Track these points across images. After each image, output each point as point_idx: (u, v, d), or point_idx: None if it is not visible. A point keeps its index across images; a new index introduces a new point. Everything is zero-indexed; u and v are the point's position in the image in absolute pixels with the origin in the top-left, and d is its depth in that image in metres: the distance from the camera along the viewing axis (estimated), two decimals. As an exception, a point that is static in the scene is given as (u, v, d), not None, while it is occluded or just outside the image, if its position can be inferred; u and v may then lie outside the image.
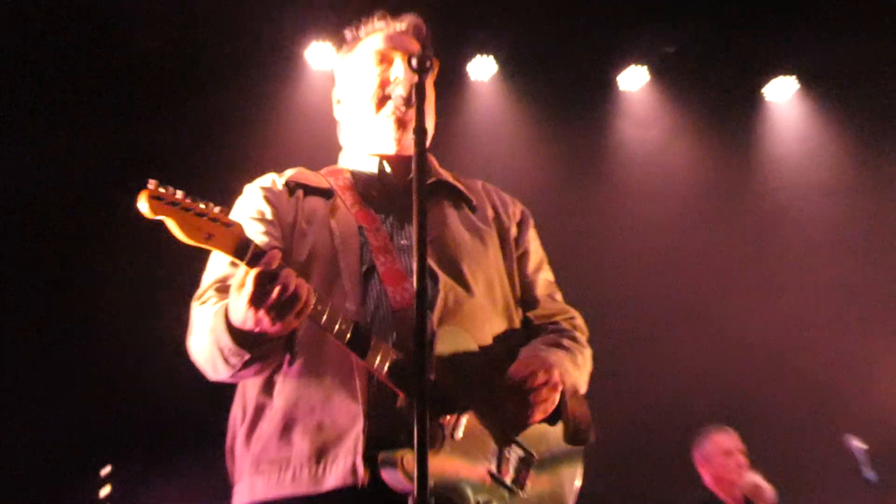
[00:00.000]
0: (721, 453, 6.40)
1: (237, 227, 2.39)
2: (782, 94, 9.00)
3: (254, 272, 2.32)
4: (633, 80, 8.61)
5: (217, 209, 2.37)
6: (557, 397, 2.68)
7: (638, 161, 8.74)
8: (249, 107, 7.69)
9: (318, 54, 7.79)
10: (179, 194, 2.32)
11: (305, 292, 2.38)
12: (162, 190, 2.31)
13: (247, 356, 2.51)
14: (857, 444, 6.34)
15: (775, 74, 8.76)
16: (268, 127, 7.76)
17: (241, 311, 2.38)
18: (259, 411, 2.67)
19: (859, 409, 7.56)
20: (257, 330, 2.41)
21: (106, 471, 7.47)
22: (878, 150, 8.88)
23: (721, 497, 6.38)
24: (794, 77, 8.75)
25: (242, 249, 2.37)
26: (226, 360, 2.54)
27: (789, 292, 8.32)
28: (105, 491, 7.43)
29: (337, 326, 2.46)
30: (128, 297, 7.08)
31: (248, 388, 2.74)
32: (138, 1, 7.44)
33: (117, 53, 7.53)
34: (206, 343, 2.60)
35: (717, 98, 8.74)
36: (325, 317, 2.45)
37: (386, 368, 2.49)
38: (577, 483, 2.83)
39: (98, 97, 7.52)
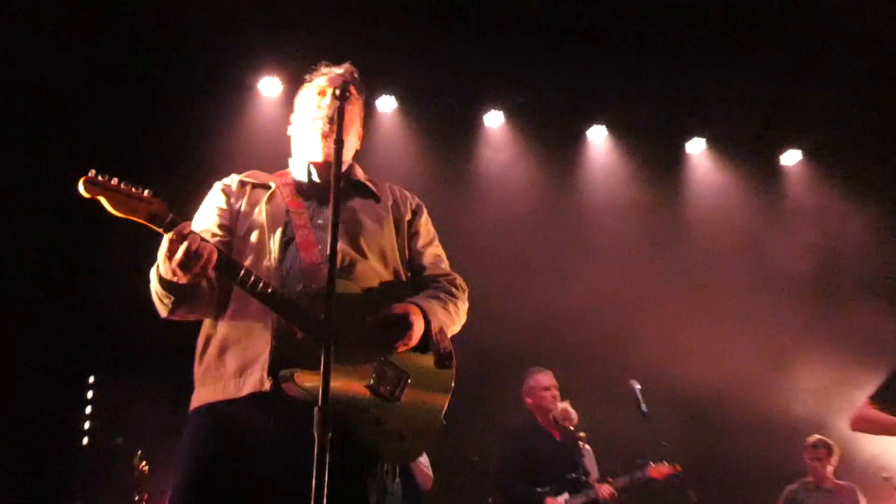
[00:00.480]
0: (541, 388, 7.00)
1: (157, 204, 2.78)
2: (598, 137, 9.84)
3: (167, 236, 2.74)
4: (494, 119, 9.48)
5: (145, 192, 2.77)
6: (418, 330, 3.01)
7: (495, 177, 9.53)
8: (213, 125, 8.18)
9: (268, 85, 8.31)
10: (114, 181, 2.73)
11: (207, 252, 2.77)
12: (99, 177, 2.71)
13: (172, 298, 2.92)
14: (635, 384, 7.14)
15: (594, 121, 9.72)
16: (229, 141, 8.14)
17: (162, 265, 2.82)
18: (207, 341, 3.06)
19: (637, 356, 8.28)
20: (174, 279, 2.81)
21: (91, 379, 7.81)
22: (658, 174, 9.90)
23: (538, 419, 6.94)
24: (604, 126, 9.74)
25: (159, 220, 2.76)
26: (161, 301, 2.97)
27: (596, 269, 8.81)
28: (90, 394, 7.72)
29: (260, 293, 2.89)
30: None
31: (205, 325, 3.11)
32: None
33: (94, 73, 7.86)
34: (151, 291, 3.00)
35: (549, 135, 9.50)
36: (239, 273, 2.88)
37: (288, 312, 2.90)
38: (447, 395, 3.14)
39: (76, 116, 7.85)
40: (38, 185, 7.55)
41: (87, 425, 7.31)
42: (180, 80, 8.11)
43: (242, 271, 2.88)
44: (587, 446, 7.11)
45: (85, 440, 7.26)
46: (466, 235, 7.91)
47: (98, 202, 2.72)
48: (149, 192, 2.77)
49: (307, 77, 3.41)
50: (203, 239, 2.80)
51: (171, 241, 2.74)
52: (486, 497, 6.89)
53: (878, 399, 4.81)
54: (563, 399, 7.21)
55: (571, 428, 7.09)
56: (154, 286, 2.93)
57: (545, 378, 7.08)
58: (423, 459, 7.56)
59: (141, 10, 7.75)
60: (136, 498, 6.36)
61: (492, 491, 6.78)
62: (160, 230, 2.77)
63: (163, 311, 2.99)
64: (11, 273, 7.44)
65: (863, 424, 4.88)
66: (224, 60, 8.27)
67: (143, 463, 6.44)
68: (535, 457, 6.63)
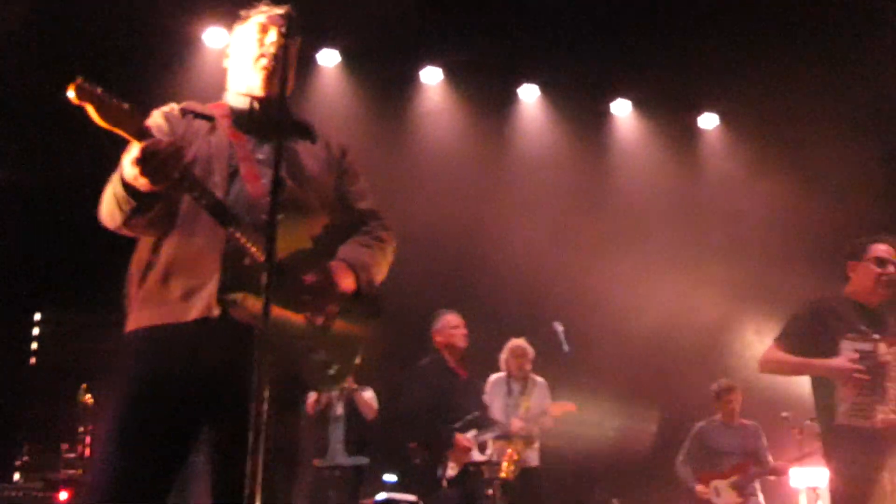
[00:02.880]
0: (451, 326, 6.97)
1: (139, 119, 2.73)
2: (531, 96, 9.88)
3: (142, 143, 2.67)
4: (432, 76, 9.48)
5: (126, 105, 2.69)
6: (348, 286, 3.03)
7: (432, 131, 9.53)
8: (157, 73, 7.89)
9: (213, 36, 8.24)
10: (100, 90, 2.64)
11: (177, 159, 2.73)
12: (86, 85, 2.63)
13: (133, 203, 2.80)
14: (558, 326, 7.24)
15: (526, 80, 9.75)
16: (172, 88, 7.52)
17: (129, 168, 2.72)
18: (148, 266, 2.97)
19: (561, 301, 8.36)
20: (139, 186, 2.73)
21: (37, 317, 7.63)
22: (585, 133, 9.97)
23: (447, 359, 6.88)
24: (536, 85, 9.77)
25: (141, 135, 2.69)
26: (119, 207, 2.84)
27: (524, 221, 8.97)
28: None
29: (209, 203, 2.81)
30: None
31: (142, 250, 3.02)
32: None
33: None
34: (109, 198, 2.88)
35: (484, 92, 9.50)
36: (199, 192, 2.80)
37: (238, 235, 2.82)
38: (370, 335, 3.17)
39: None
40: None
41: (32, 360, 7.26)
42: (125, 34, 7.89)
43: (207, 196, 2.82)
44: (539, 379, 7.34)
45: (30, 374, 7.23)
46: (400, 186, 7.87)
47: (84, 110, 2.62)
48: (129, 105, 2.69)
49: (243, 13, 3.29)
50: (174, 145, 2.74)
51: (144, 147, 2.67)
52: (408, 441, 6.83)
53: (783, 341, 4.87)
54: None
55: (528, 366, 7.32)
56: (115, 190, 2.82)
57: (454, 318, 7.08)
58: (369, 393, 7.73)
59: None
60: (81, 430, 6.28)
61: (409, 432, 6.75)
62: (140, 143, 2.68)
63: (118, 219, 2.88)
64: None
65: (770, 365, 4.95)
66: (168, 12, 8.05)
67: (88, 395, 6.34)
68: (445, 396, 6.64)
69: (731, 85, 9.54)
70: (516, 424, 6.76)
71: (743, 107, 9.93)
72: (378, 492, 7.66)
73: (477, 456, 6.59)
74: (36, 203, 7.58)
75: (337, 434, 7.68)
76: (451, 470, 6.45)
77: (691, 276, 8.99)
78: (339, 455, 7.65)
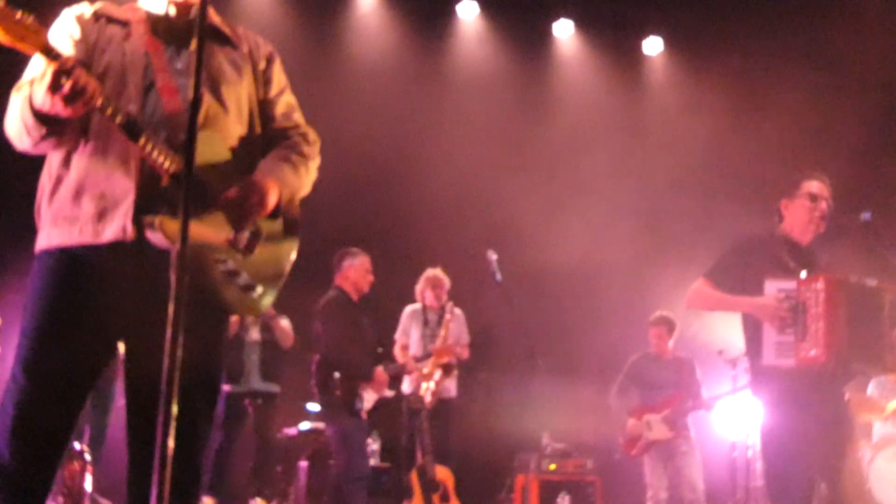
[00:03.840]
0: (366, 270, 6.94)
1: (44, 34, 2.64)
2: (469, 14, 9.83)
3: (53, 66, 2.61)
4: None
5: (30, 19, 2.59)
6: (272, 202, 3.00)
7: (366, 51, 9.44)
8: None
9: None
10: (1, 3, 2.56)
11: (92, 87, 2.65)
12: None
13: (44, 130, 2.78)
14: (491, 255, 6.95)
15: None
16: None
17: (40, 96, 2.68)
18: (59, 181, 2.92)
19: (494, 229, 8.29)
20: (52, 112, 2.70)
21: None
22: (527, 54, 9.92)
23: (353, 297, 6.89)
24: (476, 2, 9.70)
25: (48, 51, 2.62)
26: (28, 133, 2.80)
27: (459, 140, 8.99)
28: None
29: (119, 117, 2.73)
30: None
31: (53, 163, 2.97)
32: None
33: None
34: (16, 120, 2.83)
35: (422, 11, 9.55)
36: (110, 109, 2.71)
37: (154, 153, 2.78)
38: (292, 257, 3.21)
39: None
40: None
41: None
42: None
43: (120, 113, 2.74)
44: (457, 310, 7.41)
45: None
46: (330, 104, 7.74)
47: None
48: (33, 19, 2.59)
49: None
50: (88, 73, 2.67)
51: (56, 74, 2.60)
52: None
53: (711, 277, 4.93)
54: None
55: (444, 297, 7.46)
56: (24, 115, 2.79)
57: (368, 262, 7.10)
58: (285, 321, 7.78)
59: None
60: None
61: (335, 364, 6.75)
62: (50, 61, 2.61)
63: (27, 143, 2.87)
64: None
65: (697, 301, 5.03)
66: None
67: (-4, 316, 6.28)
68: (351, 327, 6.76)
69: (676, 8, 9.57)
70: (440, 350, 7.00)
71: (688, 32, 9.92)
72: (301, 421, 7.91)
73: (387, 392, 6.79)
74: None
75: (252, 359, 7.76)
76: (367, 403, 6.57)
77: (624, 204, 9.06)
78: (254, 380, 7.72)
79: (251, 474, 7.76)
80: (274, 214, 3.07)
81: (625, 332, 8.55)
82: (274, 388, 7.85)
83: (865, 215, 4.98)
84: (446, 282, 7.51)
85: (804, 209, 4.87)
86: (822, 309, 4.61)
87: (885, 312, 4.80)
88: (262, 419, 7.78)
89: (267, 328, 7.76)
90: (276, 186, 3.05)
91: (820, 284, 4.63)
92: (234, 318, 7.16)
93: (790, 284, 4.70)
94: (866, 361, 4.93)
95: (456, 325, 7.42)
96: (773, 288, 4.70)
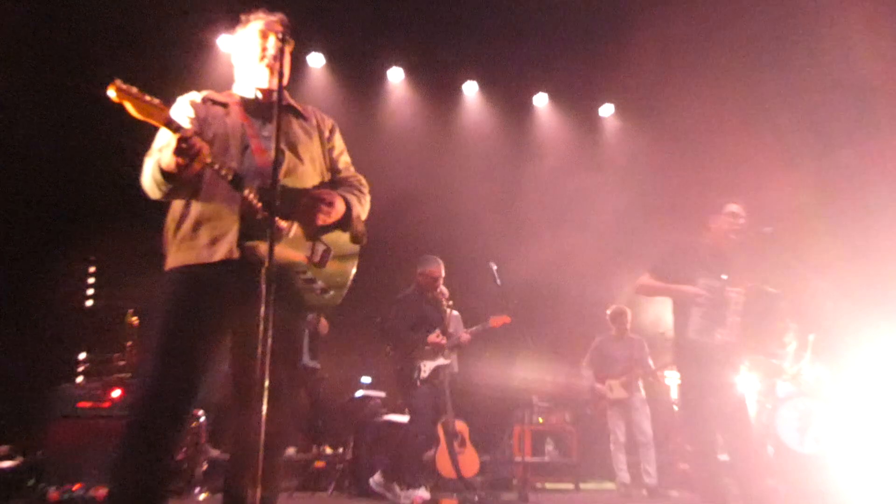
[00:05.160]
0: (435, 277, 6.72)
1: (167, 111, 2.67)
2: (471, 91, 9.71)
3: (177, 135, 2.67)
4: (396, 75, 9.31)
5: (156, 101, 2.64)
6: (340, 209, 3.00)
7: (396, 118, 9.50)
8: (175, 72, 7.51)
9: (225, 41, 8.09)
10: (135, 90, 2.60)
11: (206, 151, 2.72)
12: (123, 86, 2.58)
13: (170, 186, 2.84)
14: (493, 265, 6.83)
15: (468, 79, 9.58)
16: (194, 82, 7.59)
17: (167, 159, 2.75)
18: (182, 219, 2.94)
19: (495, 247, 7.84)
20: (175, 170, 2.75)
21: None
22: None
23: (423, 293, 6.70)
24: (475, 82, 9.67)
25: (170, 124, 2.67)
26: (158, 187, 2.86)
27: (466, 185, 8.86)
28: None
29: (226, 172, 2.79)
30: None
31: (176, 207, 2.98)
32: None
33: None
34: (149, 178, 2.87)
35: (434, 89, 9.40)
36: (218, 166, 2.77)
37: (250, 196, 2.81)
38: (354, 269, 3.13)
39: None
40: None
41: (89, 291, 7.08)
42: (157, 41, 7.66)
43: (225, 168, 2.81)
44: (454, 312, 7.20)
45: (88, 303, 7.02)
46: (371, 160, 7.62)
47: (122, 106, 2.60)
48: (159, 101, 2.66)
49: (244, 18, 3.21)
50: (200, 141, 2.74)
51: (179, 141, 2.67)
52: (385, 346, 6.81)
53: (655, 271, 4.92)
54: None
55: (447, 301, 7.09)
56: (155, 175, 2.84)
57: (440, 270, 6.91)
58: (322, 318, 7.71)
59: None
60: (129, 344, 6.25)
61: (388, 340, 6.71)
62: (173, 132, 2.68)
63: (156, 195, 2.91)
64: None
65: (644, 289, 4.98)
66: (190, 23, 7.88)
67: (134, 318, 6.30)
68: (420, 316, 6.65)
69: (624, 81, 9.44)
70: (464, 336, 6.73)
71: (634, 98, 9.88)
72: (357, 390, 7.88)
73: (441, 361, 6.60)
74: (83, 164, 7.33)
75: (304, 341, 7.64)
76: (424, 373, 6.46)
77: (589, 225, 9.00)
78: (305, 358, 7.62)
79: (308, 428, 7.68)
80: (343, 228, 3.06)
81: (591, 319, 8.45)
82: (316, 364, 7.75)
83: (767, 229, 4.96)
84: (445, 291, 7.13)
85: (726, 224, 4.87)
86: (741, 308, 4.65)
87: (779, 313, 4.89)
88: (312, 386, 7.70)
89: (312, 322, 7.67)
90: (343, 198, 3.05)
91: (741, 289, 4.67)
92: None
93: (716, 283, 4.69)
94: (760, 348, 4.95)
95: (454, 323, 7.19)
96: (703, 284, 4.70)
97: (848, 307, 7.01)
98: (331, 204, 2.98)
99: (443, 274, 6.90)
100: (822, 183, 8.20)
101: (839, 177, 8.36)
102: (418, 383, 6.39)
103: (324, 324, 7.73)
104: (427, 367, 6.48)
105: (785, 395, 7.41)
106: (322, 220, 2.97)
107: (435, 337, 6.51)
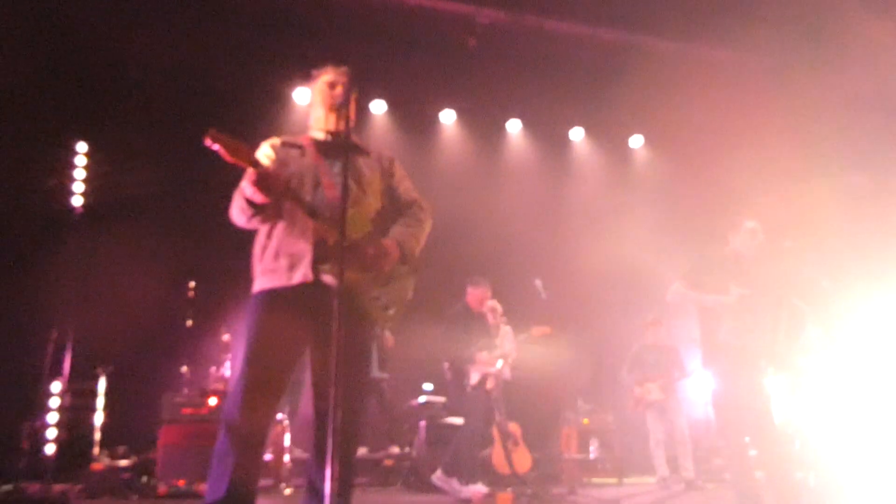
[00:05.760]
0: (483, 298, 6.70)
1: (252, 153, 2.80)
2: (515, 129, 9.60)
3: (256, 171, 2.77)
4: (448, 117, 9.29)
5: (243, 145, 2.73)
6: (394, 255, 3.01)
7: (449, 156, 9.57)
8: (258, 122, 7.39)
9: (300, 93, 8.19)
10: (225, 136, 2.68)
11: (282, 183, 2.83)
12: (217, 133, 2.66)
13: (251, 212, 2.91)
14: (537, 282, 7.01)
15: (512, 117, 9.53)
16: (274, 128, 6.53)
17: (249, 189, 2.82)
18: (265, 248, 2.99)
19: (539, 265, 7.92)
20: (256, 199, 2.84)
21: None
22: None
23: (472, 309, 6.69)
24: (520, 121, 9.58)
25: (255, 164, 2.77)
26: (242, 212, 2.94)
27: (512, 213, 8.76)
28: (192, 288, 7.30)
29: (300, 203, 2.87)
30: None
31: (260, 237, 3.03)
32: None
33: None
34: (237, 207, 2.97)
35: (482, 130, 9.51)
36: (295, 199, 2.87)
37: (322, 225, 2.86)
38: (412, 289, 3.15)
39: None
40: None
41: (190, 313, 7.13)
42: (246, 96, 7.79)
43: (302, 200, 2.89)
44: (507, 327, 7.06)
45: (189, 322, 7.09)
46: (430, 184, 7.68)
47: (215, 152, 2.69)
48: (247, 146, 2.75)
49: (315, 72, 3.28)
50: (275, 175, 2.84)
51: (258, 172, 2.76)
52: (443, 363, 6.75)
53: (686, 280, 4.80)
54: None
55: (500, 316, 6.99)
56: (240, 203, 2.93)
57: (488, 291, 6.86)
58: (388, 332, 7.61)
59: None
60: (223, 357, 6.40)
61: (442, 352, 6.65)
62: (255, 169, 2.77)
63: (242, 221, 2.99)
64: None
65: (678, 298, 4.86)
66: (271, 79, 8.02)
67: (227, 335, 6.45)
68: (469, 331, 6.59)
69: (654, 114, 9.24)
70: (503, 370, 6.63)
71: (663, 131, 9.75)
72: (420, 395, 7.86)
73: (491, 369, 6.55)
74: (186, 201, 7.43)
75: (374, 354, 7.63)
76: (473, 379, 6.43)
77: (625, 245, 8.71)
78: (374, 369, 7.62)
79: (384, 430, 7.66)
80: (401, 261, 3.07)
81: (630, 327, 8.31)
82: (384, 374, 7.73)
83: (788, 244, 4.84)
84: (499, 308, 7.02)
85: (746, 239, 4.78)
86: (769, 316, 4.54)
87: (803, 324, 4.73)
88: (380, 393, 7.67)
89: (379, 337, 7.66)
90: (398, 246, 3.06)
91: (771, 298, 4.56)
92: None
93: (746, 291, 4.58)
94: (784, 353, 4.75)
95: (507, 337, 7.04)
96: (736, 291, 4.59)
97: (867, 317, 6.77)
98: (385, 255, 2.99)
99: (489, 293, 6.78)
100: (841, 200, 7.94)
101: (856, 195, 8.11)
102: (468, 389, 6.33)
103: (389, 338, 7.74)
104: (475, 375, 6.41)
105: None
106: (382, 272, 2.99)
107: (482, 356, 6.46)
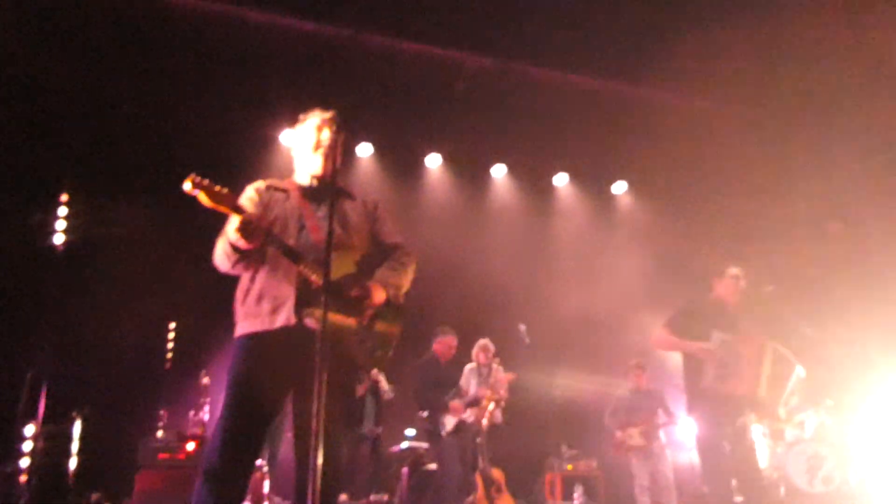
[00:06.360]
0: (451, 346, 7.00)
1: (235, 199, 2.77)
2: (500, 174, 9.56)
3: (242, 217, 2.74)
4: (434, 161, 9.28)
5: (225, 190, 2.72)
6: (379, 298, 2.97)
7: (434, 199, 9.51)
8: (244, 165, 7.32)
9: (287, 136, 7.93)
10: (206, 182, 2.67)
11: (263, 230, 2.81)
12: (198, 179, 2.65)
13: (235, 257, 2.88)
14: (521, 327, 7.21)
15: (497, 162, 9.55)
16: (259, 172, 7.43)
17: (233, 235, 2.79)
18: (247, 292, 2.98)
19: (519, 308, 8.15)
20: (240, 245, 2.82)
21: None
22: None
23: (440, 359, 6.96)
24: (505, 165, 9.54)
25: (237, 209, 2.75)
26: (227, 258, 2.91)
27: (494, 256, 8.76)
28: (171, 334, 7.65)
29: (283, 248, 2.86)
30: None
31: (243, 281, 3.01)
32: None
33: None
34: (220, 252, 2.94)
35: (466, 173, 9.41)
36: (276, 243, 2.86)
37: (306, 269, 2.84)
38: (399, 330, 3.10)
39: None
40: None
41: (169, 355, 7.09)
42: (229, 140, 7.74)
43: (284, 245, 2.87)
44: (500, 368, 7.16)
45: (168, 365, 7.05)
46: (415, 228, 7.24)
47: (196, 198, 2.68)
48: (227, 191, 2.73)
49: (302, 116, 3.28)
50: (260, 222, 2.83)
51: (242, 220, 2.74)
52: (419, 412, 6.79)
53: (670, 326, 4.85)
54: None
55: (491, 357, 7.16)
56: (224, 248, 2.91)
57: (454, 340, 7.02)
58: (385, 385, 7.60)
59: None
60: (202, 401, 6.29)
61: (420, 404, 6.69)
62: (238, 215, 2.75)
63: (226, 266, 2.96)
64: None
65: (661, 344, 4.94)
66: (257, 123, 8.00)
67: (206, 378, 6.34)
68: (439, 380, 6.71)
69: (635, 162, 9.47)
70: (482, 391, 6.74)
71: (644, 177, 9.85)
72: (402, 441, 7.77)
73: (465, 416, 6.63)
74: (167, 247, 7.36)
75: (368, 410, 7.55)
76: (449, 426, 6.46)
77: (607, 288, 8.87)
78: (369, 424, 7.54)
79: (370, 478, 7.53)
80: (387, 303, 3.04)
81: (613, 372, 8.21)
82: (379, 429, 7.59)
83: (769, 288, 4.90)
84: (492, 347, 7.27)
85: (730, 285, 4.82)
86: (754, 360, 4.56)
87: (790, 371, 4.77)
88: (374, 447, 7.55)
89: (375, 391, 7.59)
90: (383, 288, 3.03)
91: (753, 344, 4.58)
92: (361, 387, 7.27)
93: (728, 337, 4.61)
94: (770, 405, 4.77)
95: (499, 376, 7.16)
96: (717, 338, 4.62)
97: (850, 360, 6.83)
98: (369, 297, 2.96)
99: (455, 342, 6.90)
100: (818, 249, 8.07)
101: (833, 244, 8.23)
102: (444, 436, 6.33)
103: (386, 391, 7.65)
104: (450, 422, 6.44)
105: (793, 439, 7.15)
106: (367, 315, 2.96)
107: (455, 403, 6.54)
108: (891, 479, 6.48)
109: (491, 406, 6.70)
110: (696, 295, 5.12)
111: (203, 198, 2.66)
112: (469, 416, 6.92)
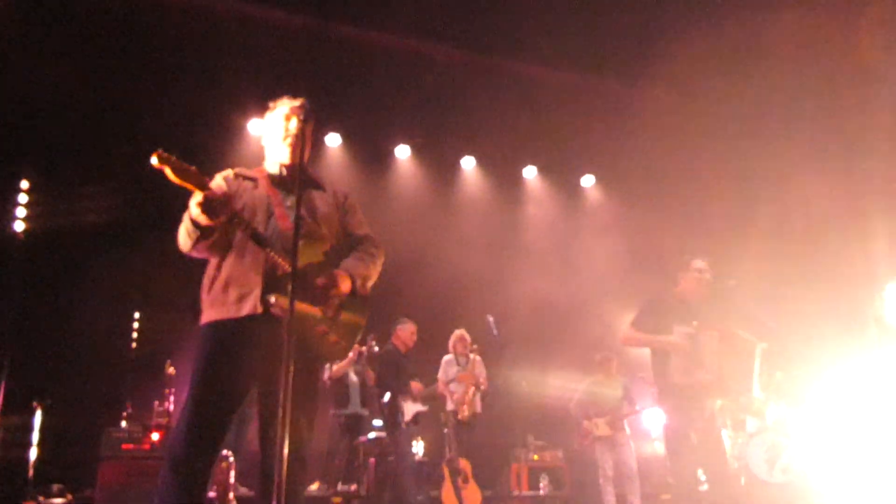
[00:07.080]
0: (410, 333, 6.96)
1: (200, 176, 2.72)
2: (469, 166, 9.64)
3: (205, 192, 2.70)
4: (403, 152, 9.36)
5: (193, 168, 2.67)
6: (346, 288, 2.95)
7: (403, 191, 9.65)
8: (213, 152, 7.43)
9: (255, 125, 8.04)
10: (174, 157, 2.63)
11: (227, 206, 2.77)
12: (164, 154, 2.60)
13: (197, 234, 2.82)
14: (490, 318, 7.27)
15: (466, 155, 9.62)
16: (228, 161, 7.19)
17: (195, 210, 2.75)
18: (214, 280, 2.94)
19: (494, 302, 8.13)
20: (201, 221, 2.76)
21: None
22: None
23: (401, 350, 6.92)
24: (473, 157, 9.62)
25: (203, 187, 2.70)
26: (188, 235, 2.85)
27: (463, 247, 8.71)
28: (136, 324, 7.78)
29: (252, 232, 2.82)
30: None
31: (210, 269, 2.98)
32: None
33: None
34: (182, 229, 2.89)
35: (436, 164, 9.49)
36: (245, 225, 2.82)
37: (274, 255, 2.81)
38: (364, 321, 3.07)
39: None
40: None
41: (133, 345, 6.95)
42: (199, 127, 7.69)
43: (251, 229, 2.84)
44: (478, 357, 7.30)
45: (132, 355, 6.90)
46: (383, 219, 7.47)
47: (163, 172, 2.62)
48: (194, 168, 2.68)
49: (271, 104, 3.24)
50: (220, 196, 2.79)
51: (205, 195, 2.70)
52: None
53: (636, 324, 4.92)
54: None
55: (471, 346, 7.28)
56: (186, 225, 2.86)
57: (413, 327, 7.05)
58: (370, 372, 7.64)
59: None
60: (167, 391, 6.18)
61: (383, 391, 6.79)
62: (203, 192, 2.71)
63: (188, 244, 2.90)
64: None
65: (629, 341, 4.99)
66: (225, 110, 7.94)
67: (171, 368, 6.25)
68: (400, 368, 6.76)
69: (603, 156, 9.51)
70: (464, 377, 6.83)
71: (612, 171, 9.92)
72: (370, 432, 7.78)
73: (420, 407, 6.71)
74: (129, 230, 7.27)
75: (354, 393, 7.59)
76: (407, 416, 6.51)
77: (578, 284, 8.95)
78: (355, 406, 7.57)
79: (344, 468, 7.51)
80: (353, 293, 3.01)
81: (580, 362, 8.25)
82: (364, 411, 7.65)
83: (732, 282, 4.97)
84: (468, 337, 7.36)
85: (694, 279, 4.88)
86: (716, 349, 4.63)
87: (753, 357, 4.87)
88: (357, 430, 7.56)
89: (361, 374, 7.61)
90: (349, 277, 3.00)
91: (715, 332, 4.65)
92: (342, 365, 7.31)
93: (690, 329, 4.68)
94: (735, 387, 4.90)
95: (478, 366, 7.29)
96: (679, 331, 4.68)
97: (807, 351, 6.96)
98: (335, 285, 2.93)
99: (415, 329, 6.95)
100: (780, 246, 8.21)
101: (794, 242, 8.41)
102: (403, 425, 6.38)
103: (370, 375, 7.66)
104: (409, 411, 6.49)
105: (754, 430, 7.27)
106: (333, 304, 2.93)
107: (415, 383, 6.66)
108: (847, 469, 6.63)
109: (471, 391, 6.77)
110: (660, 289, 5.17)
111: (170, 173, 2.62)
112: (450, 404, 6.98)
